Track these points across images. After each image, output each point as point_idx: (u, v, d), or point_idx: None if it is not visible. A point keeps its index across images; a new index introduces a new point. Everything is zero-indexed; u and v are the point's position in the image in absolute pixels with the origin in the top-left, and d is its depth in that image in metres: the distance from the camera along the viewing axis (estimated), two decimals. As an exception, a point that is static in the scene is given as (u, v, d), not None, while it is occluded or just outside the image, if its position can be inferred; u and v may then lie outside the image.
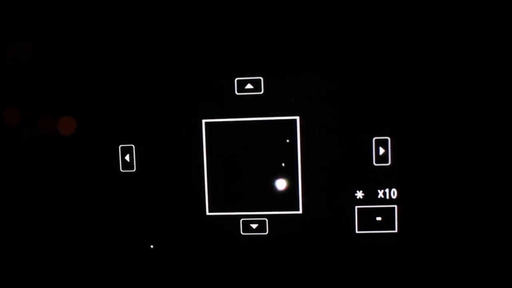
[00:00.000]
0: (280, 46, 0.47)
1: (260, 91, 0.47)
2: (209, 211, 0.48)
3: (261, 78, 0.47)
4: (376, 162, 0.47)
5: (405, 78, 0.46)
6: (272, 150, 0.47)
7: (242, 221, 0.48)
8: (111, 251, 0.49)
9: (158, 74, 0.48)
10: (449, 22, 0.45)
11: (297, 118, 0.47)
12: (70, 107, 0.48)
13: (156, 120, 0.48)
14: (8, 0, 0.47)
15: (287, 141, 0.47)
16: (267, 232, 0.48)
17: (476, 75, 0.45)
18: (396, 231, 0.47)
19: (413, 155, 0.46)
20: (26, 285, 0.50)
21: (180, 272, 0.49)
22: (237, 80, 0.47)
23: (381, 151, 0.47)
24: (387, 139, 0.47)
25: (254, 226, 0.48)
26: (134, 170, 0.49)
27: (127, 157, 0.49)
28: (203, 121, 0.48)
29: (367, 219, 0.47)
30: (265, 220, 0.48)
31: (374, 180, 0.47)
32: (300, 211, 0.48)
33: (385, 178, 0.47)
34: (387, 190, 0.47)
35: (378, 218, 0.47)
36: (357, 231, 0.48)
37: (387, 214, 0.47)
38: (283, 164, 0.48)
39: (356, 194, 0.47)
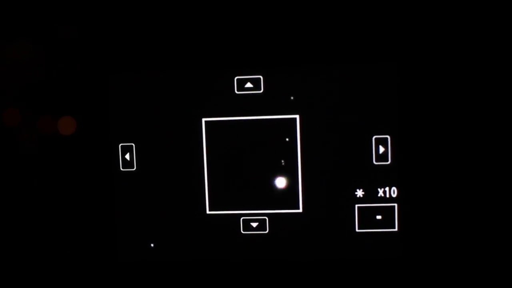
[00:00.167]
0: (279, 45, 0.47)
1: (260, 89, 0.47)
2: (209, 210, 0.49)
3: (261, 77, 0.47)
4: (376, 161, 0.47)
5: (405, 76, 0.46)
6: (272, 149, 0.47)
7: (242, 219, 0.48)
8: (111, 250, 0.49)
9: (158, 73, 0.48)
10: (448, 19, 0.45)
11: (297, 116, 0.47)
12: (69, 105, 0.48)
13: (156, 119, 0.48)
14: (9, 0, 0.47)
15: (287, 140, 0.47)
16: (267, 231, 0.48)
17: (476, 72, 0.45)
18: (396, 229, 0.47)
19: (413, 153, 0.46)
20: (27, 285, 0.50)
21: (180, 271, 0.49)
22: (237, 79, 0.47)
23: (381, 149, 0.47)
24: (387, 138, 0.47)
25: (254, 224, 0.48)
26: (134, 168, 0.49)
27: (127, 156, 0.49)
28: (203, 119, 0.48)
29: (367, 217, 0.47)
30: (265, 219, 0.48)
31: (374, 179, 0.47)
32: (300, 210, 0.48)
33: (385, 177, 0.47)
34: (387, 189, 0.47)
35: (378, 217, 0.47)
36: (357, 230, 0.48)
37: (387, 213, 0.47)
38: (283, 163, 0.48)
39: (356, 193, 0.47)
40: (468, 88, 0.45)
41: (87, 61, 0.48)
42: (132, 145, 0.49)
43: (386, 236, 0.47)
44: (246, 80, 0.47)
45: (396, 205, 0.47)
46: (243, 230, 0.49)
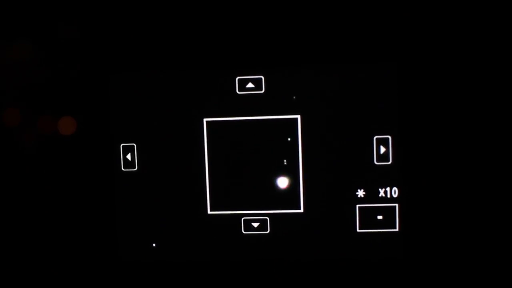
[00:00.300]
0: (280, 45, 0.47)
1: (261, 90, 0.47)
2: (211, 210, 0.49)
3: (262, 77, 0.47)
4: (377, 161, 0.47)
5: (405, 76, 0.46)
6: (273, 149, 0.48)
7: (244, 220, 0.48)
8: (113, 250, 0.49)
9: (159, 72, 0.48)
10: (448, 19, 0.45)
11: (298, 117, 0.47)
12: (70, 105, 0.48)
13: (158, 119, 0.48)
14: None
15: (288, 140, 0.47)
16: (268, 231, 0.48)
17: (476, 72, 0.45)
18: (397, 229, 0.47)
19: (414, 153, 0.46)
20: (29, 284, 0.50)
21: (181, 271, 0.49)
22: (238, 79, 0.47)
23: (382, 149, 0.47)
24: (388, 138, 0.47)
25: (255, 225, 0.48)
26: (136, 169, 0.49)
27: (128, 156, 0.49)
28: (205, 120, 0.48)
29: (368, 217, 0.47)
30: (266, 219, 0.48)
31: (375, 179, 0.47)
32: (301, 210, 0.48)
33: (386, 177, 0.47)
34: (388, 189, 0.47)
35: (379, 217, 0.47)
36: (358, 230, 0.48)
37: (388, 213, 0.47)
38: (284, 163, 0.48)
39: (357, 193, 0.47)
40: (468, 88, 0.45)
41: (87, 61, 0.48)
42: (133, 145, 0.48)
43: (387, 236, 0.48)
44: (248, 80, 0.47)
45: (397, 205, 0.47)
46: (244, 230, 0.49)
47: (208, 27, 0.47)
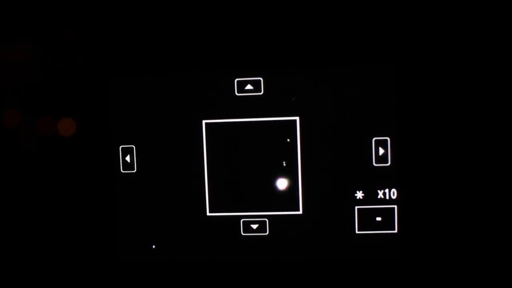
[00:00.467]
0: (279, 47, 0.47)
1: (260, 91, 0.47)
2: (210, 212, 0.49)
3: (261, 79, 0.47)
4: (376, 163, 0.47)
5: (404, 77, 0.46)
6: (272, 151, 0.48)
7: (243, 221, 0.48)
8: (112, 252, 0.50)
9: (158, 75, 0.48)
10: (448, 21, 0.45)
11: (297, 118, 0.47)
12: (70, 107, 0.48)
13: (157, 120, 0.48)
14: (9, 0, 0.47)
15: (287, 141, 0.47)
16: (267, 233, 0.48)
17: (475, 74, 0.45)
18: (395, 231, 0.47)
19: (413, 155, 0.46)
20: (28, 285, 0.50)
21: (181, 272, 0.49)
22: (237, 81, 0.48)
23: (381, 151, 0.47)
24: (386, 140, 0.47)
25: (254, 226, 0.48)
26: (135, 170, 0.49)
27: (127, 158, 0.49)
28: (203, 121, 0.48)
29: (367, 219, 0.47)
30: (265, 221, 0.48)
31: (374, 181, 0.47)
32: (300, 212, 0.48)
33: (385, 179, 0.47)
34: (386, 190, 0.47)
35: (378, 218, 0.47)
36: (357, 231, 0.48)
37: (387, 214, 0.47)
38: (283, 165, 0.48)
39: (356, 195, 0.47)
40: (468, 90, 0.45)
41: (87, 63, 0.48)
42: (132, 147, 0.49)
43: (386, 238, 0.48)
44: (246, 82, 0.47)
45: (395, 206, 0.47)
46: (243, 232, 0.49)
47: (207, 30, 0.47)
